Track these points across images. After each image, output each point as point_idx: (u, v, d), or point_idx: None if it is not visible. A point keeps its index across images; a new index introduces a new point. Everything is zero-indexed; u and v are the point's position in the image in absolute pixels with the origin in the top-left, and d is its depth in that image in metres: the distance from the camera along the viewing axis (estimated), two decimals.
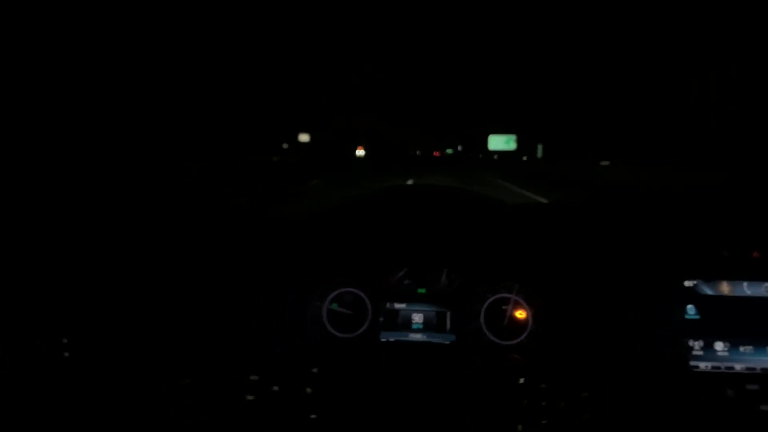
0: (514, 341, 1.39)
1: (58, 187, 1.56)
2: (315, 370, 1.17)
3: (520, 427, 1.13)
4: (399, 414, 1.18)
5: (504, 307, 1.40)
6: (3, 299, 1.24)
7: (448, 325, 1.43)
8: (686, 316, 1.31)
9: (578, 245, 1.41)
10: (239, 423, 1.09)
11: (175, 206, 1.46)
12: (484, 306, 1.41)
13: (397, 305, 1.45)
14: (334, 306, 1.43)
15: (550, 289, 1.39)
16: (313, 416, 1.10)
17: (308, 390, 1.14)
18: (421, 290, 1.45)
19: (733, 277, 1.32)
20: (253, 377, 1.13)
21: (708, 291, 1.32)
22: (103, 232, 1.38)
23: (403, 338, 1.43)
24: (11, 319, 1.21)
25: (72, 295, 1.23)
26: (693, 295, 1.32)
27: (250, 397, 1.10)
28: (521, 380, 1.21)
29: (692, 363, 1.28)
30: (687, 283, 1.32)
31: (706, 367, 1.29)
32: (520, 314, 1.40)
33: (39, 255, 1.31)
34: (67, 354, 1.16)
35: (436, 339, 1.43)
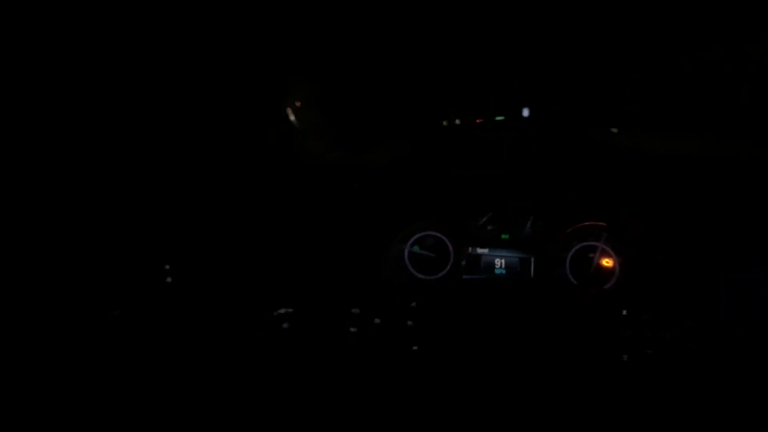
0: (599, 288, 1.37)
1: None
2: (414, 304, 1.17)
3: (625, 357, 1.12)
4: (506, 345, 1.17)
5: (591, 255, 1.38)
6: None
7: (532, 272, 1.41)
8: None
9: (675, 196, 1.38)
10: (344, 355, 1.10)
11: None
12: (570, 253, 1.39)
13: (480, 250, 1.44)
14: (416, 249, 1.42)
15: (639, 238, 1.36)
16: (414, 348, 1.11)
17: (409, 323, 1.14)
18: (505, 236, 1.44)
19: None
20: (355, 310, 1.14)
21: None
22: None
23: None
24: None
25: (173, 224, 1.25)
26: None
27: (353, 329, 1.11)
28: (624, 312, 1.20)
29: None
30: None
31: None
32: (607, 262, 1.38)
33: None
34: (169, 279, 1.17)
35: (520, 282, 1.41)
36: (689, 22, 1.44)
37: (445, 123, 1.52)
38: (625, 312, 1.19)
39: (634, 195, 1.41)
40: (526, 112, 1.55)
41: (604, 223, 1.40)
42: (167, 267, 1.19)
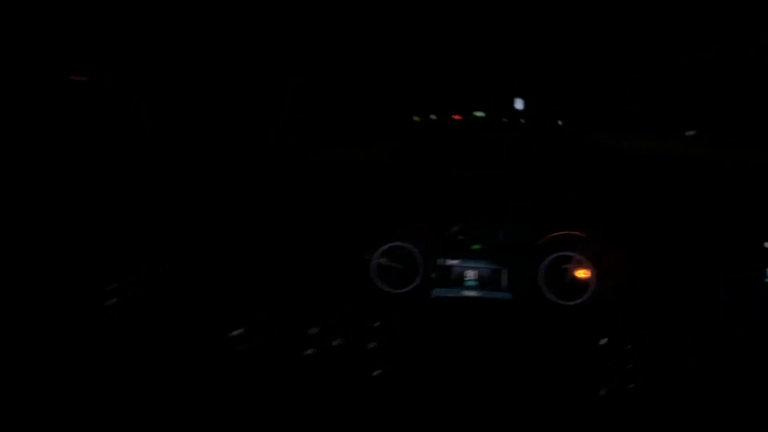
0: (574, 301, 1.32)
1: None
2: (377, 324, 1.12)
3: (603, 392, 1.08)
4: (465, 373, 1.13)
5: (565, 266, 1.33)
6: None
7: (504, 283, 1.36)
8: (766, 279, 1.24)
9: (648, 200, 1.34)
10: (297, 378, 1.04)
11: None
12: (544, 264, 1.34)
13: (450, 261, 1.38)
14: (383, 260, 1.36)
15: (614, 248, 1.32)
16: (376, 372, 1.05)
17: (371, 345, 1.09)
18: (476, 246, 1.39)
19: None
20: (313, 330, 1.08)
21: None
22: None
23: (456, 295, 1.37)
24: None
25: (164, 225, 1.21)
26: None
27: (309, 351, 1.05)
28: (603, 341, 1.15)
29: None
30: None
31: None
32: (582, 274, 1.33)
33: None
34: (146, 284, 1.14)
35: (491, 297, 1.36)
36: (689, 22, 1.41)
37: (416, 119, 1.46)
38: (604, 341, 1.15)
39: (620, 199, 1.38)
40: (519, 104, 1.48)
41: (580, 232, 1.36)
42: (144, 273, 1.16)
